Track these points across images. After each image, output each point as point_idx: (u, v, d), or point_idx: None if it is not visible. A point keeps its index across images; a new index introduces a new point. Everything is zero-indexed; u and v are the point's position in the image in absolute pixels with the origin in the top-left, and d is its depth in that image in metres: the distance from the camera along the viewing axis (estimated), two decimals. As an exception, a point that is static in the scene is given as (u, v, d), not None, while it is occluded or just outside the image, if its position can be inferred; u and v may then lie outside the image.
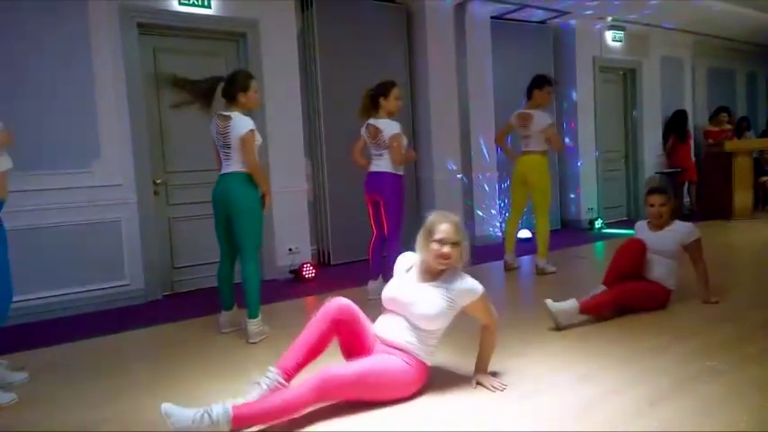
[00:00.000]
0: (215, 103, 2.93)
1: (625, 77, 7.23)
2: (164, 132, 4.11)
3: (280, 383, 1.89)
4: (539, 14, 6.12)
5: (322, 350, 2.01)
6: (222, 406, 1.71)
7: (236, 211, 2.84)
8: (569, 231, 6.35)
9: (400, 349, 2.01)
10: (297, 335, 2.01)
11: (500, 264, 4.41)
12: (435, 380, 2.14)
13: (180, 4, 4.01)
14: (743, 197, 6.47)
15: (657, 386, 2.03)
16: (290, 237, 4.53)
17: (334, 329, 2.03)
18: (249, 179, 2.87)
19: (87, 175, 3.68)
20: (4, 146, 2.32)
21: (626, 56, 7.02)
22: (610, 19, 6.59)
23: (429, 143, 5.33)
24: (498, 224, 5.75)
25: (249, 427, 1.78)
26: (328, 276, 4.47)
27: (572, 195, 6.65)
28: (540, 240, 4.13)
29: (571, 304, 2.77)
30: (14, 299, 2.41)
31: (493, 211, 5.77)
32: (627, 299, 2.91)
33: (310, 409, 1.92)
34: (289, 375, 1.92)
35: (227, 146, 2.85)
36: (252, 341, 2.82)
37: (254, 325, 2.84)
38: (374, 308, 2.25)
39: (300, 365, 1.96)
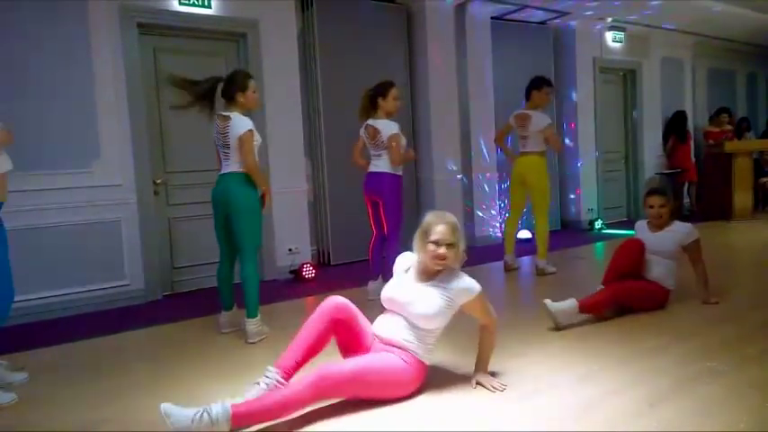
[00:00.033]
0: (216, 104, 2.93)
1: (625, 78, 7.23)
2: (164, 132, 4.11)
3: (279, 383, 1.90)
4: (539, 15, 6.12)
5: (320, 349, 2.02)
6: (221, 405, 1.71)
7: (235, 211, 2.84)
8: (569, 232, 6.35)
9: (399, 347, 2.02)
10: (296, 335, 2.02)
11: (500, 264, 4.41)
12: (435, 379, 2.14)
13: (180, 4, 4.01)
14: (743, 198, 6.47)
15: (657, 387, 2.03)
16: (290, 237, 4.53)
17: (332, 328, 2.04)
18: (248, 179, 2.87)
19: (87, 176, 3.68)
20: (5, 145, 2.32)
21: (626, 56, 7.02)
22: (610, 20, 6.59)
23: (429, 143, 5.33)
24: (498, 225, 5.75)
25: (248, 425, 1.78)
26: (328, 277, 4.47)
27: (572, 196, 6.65)
28: (539, 241, 4.13)
29: (570, 304, 2.77)
30: (15, 299, 2.41)
31: (493, 212, 5.77)
32: (625, 297, 2.91)
33: (309, 408, 1.92)
34: (288, 375, 1.93)
35: (227, 146, 2.85)
36: (250, 341, 2.82)
37: (252, 325, 2.84)
38: (374, 308, 2.25)
39: (299, 365, 1.96)
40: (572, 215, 6.65)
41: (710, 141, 7.30)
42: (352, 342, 2.09)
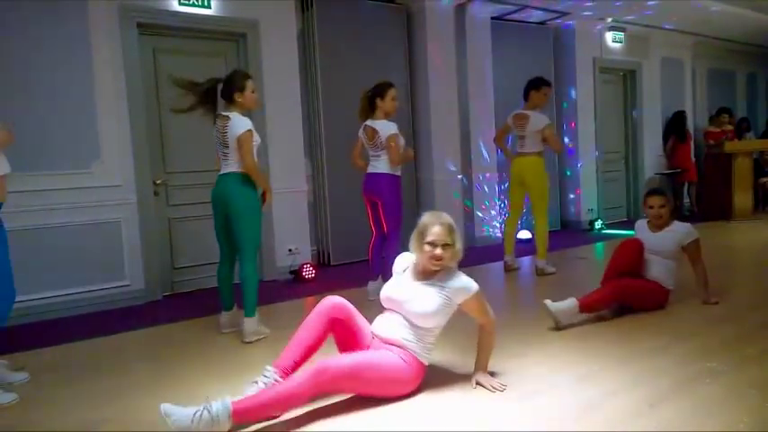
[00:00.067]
0: (218, 105, 2.94)
1: (625, 78, 7.23)
2: (163, 133, 4.11)
3: (277, 382, 1.90)
4: (539, 15, 6.12)
5: (317, 348, 2.03)
6: (221, 402, 1.72)
7: (234, 211, 2.84)
8: (569, 232, 6.35)
9: (398, 346, 2.03)
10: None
11: (500, 264, 4.41)
12: (435, 379, 2.15)
13: (180, 4, 4.01)
14: (743, 198, 6.47)
15: (657, 387, 2.03)
16: (290, 237, 4.53)
17: (330, 328, 2.06)
18: (248, 179, 2.88)
19: (87, 176, 3.68)
20: (5, 145, 2.32)
21: (626, 57, 7.02)
22: (610, 20, 6.60)
23: (429, 144, 5.33)
24: (498, 225, 5.75)
25: (249, 420, 1.78)
26: (328, 277, 4.47)
27: (572, 196, 6.65)
28: (539, 241, 4.14)
29: (570, 303, 2.77)
30: (16, 299, 2.41)
31: (493, 212, 5.77)
32: (625, 295, 2.91)
33: (309, 408, 1.93)
34: (286, 374, 1.94)
35: (225, 145, 2.86)
36: (247, 340, 2.84)
37: (249, 324, 2.86)
38: (374, 308, 2.25)
39: (297, 364, 1.97)
40: (572, 215, 6.65)
41: (711, 141, 7.31)
42: (350, 341, 2.10)
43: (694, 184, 7.47)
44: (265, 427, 1.84)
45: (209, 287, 4.05)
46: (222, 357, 2.65)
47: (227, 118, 2.84)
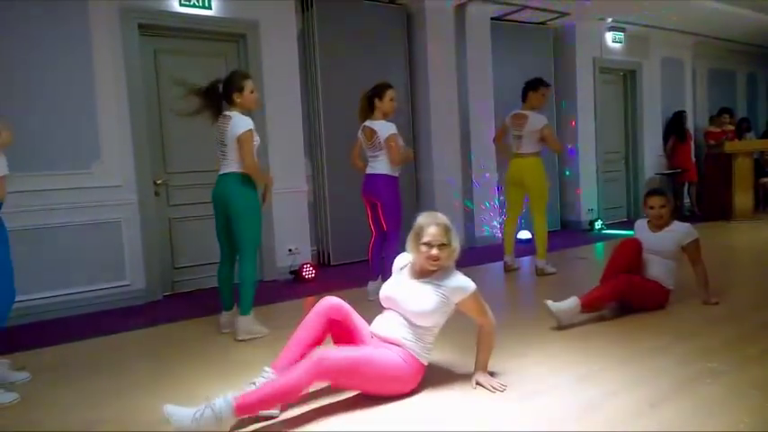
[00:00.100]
0: (222, 106, 2.94)
1: (625, 78, 7.23)
2: (164, 133, 4.11)
3: None
4: (538, 15, 6.12)
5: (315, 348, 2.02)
6: (223, 398, 1.73)
7: (234, 211, 2.85)
8: (569, 232, 6.35)
9: (397, 345, 2.03)
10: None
11: (500, 265, 4.41)
12: (435, 379, 2.15)
13: (180, 5, 4.01)
14: (743, 198, 6.47)
15: (658, 387, 2.03)
16: (290, 238, 4.53)
17: (328, 329, 2.08)
18: (247, 179, 2.88)
19: (87, 176, 3.68)
20: (6, 145, 2.32)
21: (626, 57, 7.02)
22: (610, 20, 6.59)
23: (429, 144, 5.33)
24: (498, 225, 5.75)
25: (252, 413, 1.79)
26: (328, 277, 4.47)
27: (572, 196, 6.65)
28: (538, 241, 4.14)
29: (572, 303, 2.77)
30: (16, 299, 2.41)
31: (492, 213, 5.77)
32: (626, 291, 2.90)
33: (308, 408, 1.92)
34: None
35: (223, 144, 2.86)
36: (239, 338, 2.85)
37: (243, 322, 2.87)
38: (374, 308, 2.25)
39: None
40: (572, 215, 6.65)
41: (711, 141, 7.31)
42: (348, 342, 2.11)
43: (694, 185, 7.47)
44: (265, 427, 1.84)
45: (210, 287, 4.05)
46: (222, 357, 2.65)
47: (229, 117, 2.85)
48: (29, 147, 3.37)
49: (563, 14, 6.10)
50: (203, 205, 3.81)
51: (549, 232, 4.19)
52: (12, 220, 2.65)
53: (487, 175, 5.71)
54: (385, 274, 2.90)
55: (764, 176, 7.35)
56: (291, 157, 4.55)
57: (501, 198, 5.79)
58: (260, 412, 1.83)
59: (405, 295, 2.07)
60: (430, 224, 2.05)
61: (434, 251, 2.02)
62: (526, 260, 4.59)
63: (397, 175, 3.51)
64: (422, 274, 2.10)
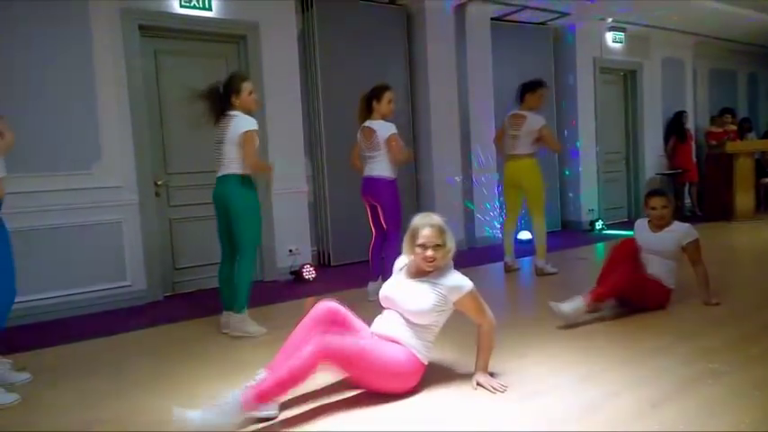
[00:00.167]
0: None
1: (626, 79, 7.23)
2: (164, 134, 4.12)
3: None
4: (539, 15, 6.12)
5: None
6: (231, 394, 1.75)
7: (234, 212, 2.86)
8: (570, 232, 6.34)
9: (398, 343, 2.04)
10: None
11: (500, 265, 4.40)
12: (435, 379, 2.15)
13: (181, 6, 4.02)
14: (745, 198, 6.46)
15: (659, 387, 2.02)
16: (290, 238, 4.53)
17: (324, 331, 2.06)
18: (247, 181, 2.90)
19: (88, 177, 3.68)
20: (10, 147, 2.32)
21: (626, 57, 7.01)
22: (610, 20, 6.59)
23: (429, 144, 5.33)
24: (498, 225, 5.74)
25: (260, 404, 1.79)
26: (328, 277, 4.47)
27: (572, 196, 6.64)
28: (537, 241, 4.13)
29: (578, 302, 2.77)
30: (16, 299, 2.41)
31: (493, 213, 5.76)
32: (628, 287, 2.88)
33: (308, 408, 1.92)
34: None
35: (222, 143, 2.88)
36: (225, 331, 2.90)
37: (236, 320, 2.89)
38: (374, 309, 2.25)
39: None
40: (572, 216, 6.64)
41: (713, 142, 7.29)
42: None
43: (695, 185, 7.46)
44: (265, 427, 1.84)
45: (210, 288, 4.05)
46: (222, 357, 2.65)
47: (231, 117, 2.87)
48: (29, 148, 3.37)
49: (563, 15, 6.10)
50: (204, 206, 3.82)
51: (549, 232, 4.19)
52: (12, 221, 2.65)
53: (488, 175, 5.71)
54: (385, 274, 2.90)
55: (765, 177, 7.34)
56: (292, 157, 4.55)
57: (501, 199, 5.80)
58: (260, 413, 1.82)
59: (403, 295, 2.08)
60: (424, 226, 2.07)
61: (429, 252, 2.04)
62: (527, 261, 4.58)
63: (395, 177, 3.51)
64: (419, 273, 2.12)
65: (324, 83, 4.80)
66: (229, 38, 4.32)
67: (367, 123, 3.50)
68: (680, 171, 7.24)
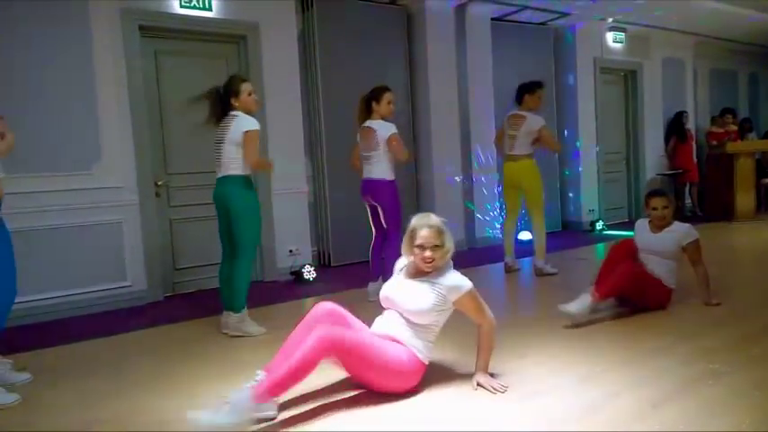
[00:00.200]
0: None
1: (626, 79, 7.22)
2: (165, 134, 4.12)
3: None
4: (539, 16, 6.12)
5: None
6: (239, 392, 1.77)
7: (234, 212, 2.87)
8: (570, 233, 6.34)
9: (399, 342, 2.04)
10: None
11: (501, 266, 4.40)
12: (435, 379, 2.14)
13: (181, 6, 4.02)
14: (745, 199, 6.46)
15: (660, 388, 2.02)
16: (290, 238, 4.53)
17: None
18: (247, 181, 2.91)
19: (88, 177, 3.68)
20: (11, 148, 2.32)
21: (627, 57, 7.01)
22: (611, 20, 6.59)
23: (429, 145, 5.32)
24: (498, 226, 5.74)
25: (271, 397, 1.81)
26: (329, 278, 4.46)
27: (572, 197, 6.64)
28: (537, 242, 4.13)
29: (585, 301, 2.77)
30: (16, 300, 2.41)
31: (493, 213, 5.76)
32: (630, 283, 2.87)
33: (308, 408, 1.92)
34: None
35: (221, 142, 2.88)
36: (226, 331, 2.90)
37: (234, 319, 2.90)
38: (374, 309, 2.25)
39: None
40: (573, 216, 6.64)
41: (713, 142, 7.29)
42: None
43: (696, 185, 7.45)
44: (265, 428, 1.84)
45: (210, 288, 4.05)
46: (222, 357, 2.65)
47: (233, 117, 2.89)
48: (29, 148, 3.36)
49: (563, 15, 6.10)
50: (204, 206, 3.82)
51: (549, 233, 4.19)
52: (13, 222, 2.65)
53: (488, 175, 5.71)
54: (385, 275, 2.90)
55: (766, 177, 7.33)
56: (292, 157, 4.55)
57: (501, 199, 5.79)
58: (259, 412, 1.82)
59: (402, 295, 2.09)
60: (423, 226, 2.07)
61: (428, 253, 2.04)
62: (527, 261, 4.58)
63: (395, 177, 3.51)
64: (418, 274, 2.12)
65: (324, 83, 4.80)
66: (229, 38, 4.32)
67: (367, 123, 3.50)
68: (680, 171, 7.24)
